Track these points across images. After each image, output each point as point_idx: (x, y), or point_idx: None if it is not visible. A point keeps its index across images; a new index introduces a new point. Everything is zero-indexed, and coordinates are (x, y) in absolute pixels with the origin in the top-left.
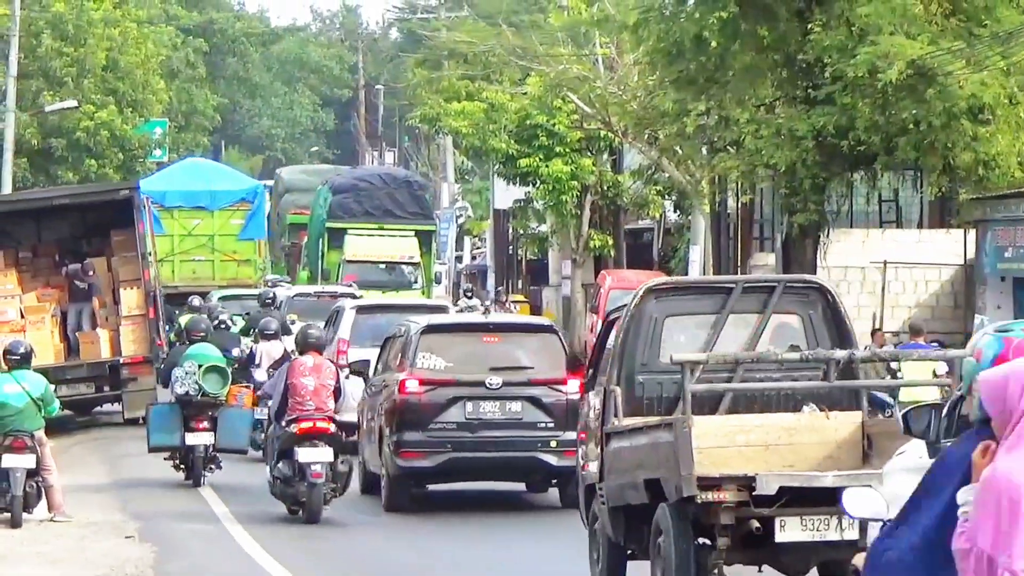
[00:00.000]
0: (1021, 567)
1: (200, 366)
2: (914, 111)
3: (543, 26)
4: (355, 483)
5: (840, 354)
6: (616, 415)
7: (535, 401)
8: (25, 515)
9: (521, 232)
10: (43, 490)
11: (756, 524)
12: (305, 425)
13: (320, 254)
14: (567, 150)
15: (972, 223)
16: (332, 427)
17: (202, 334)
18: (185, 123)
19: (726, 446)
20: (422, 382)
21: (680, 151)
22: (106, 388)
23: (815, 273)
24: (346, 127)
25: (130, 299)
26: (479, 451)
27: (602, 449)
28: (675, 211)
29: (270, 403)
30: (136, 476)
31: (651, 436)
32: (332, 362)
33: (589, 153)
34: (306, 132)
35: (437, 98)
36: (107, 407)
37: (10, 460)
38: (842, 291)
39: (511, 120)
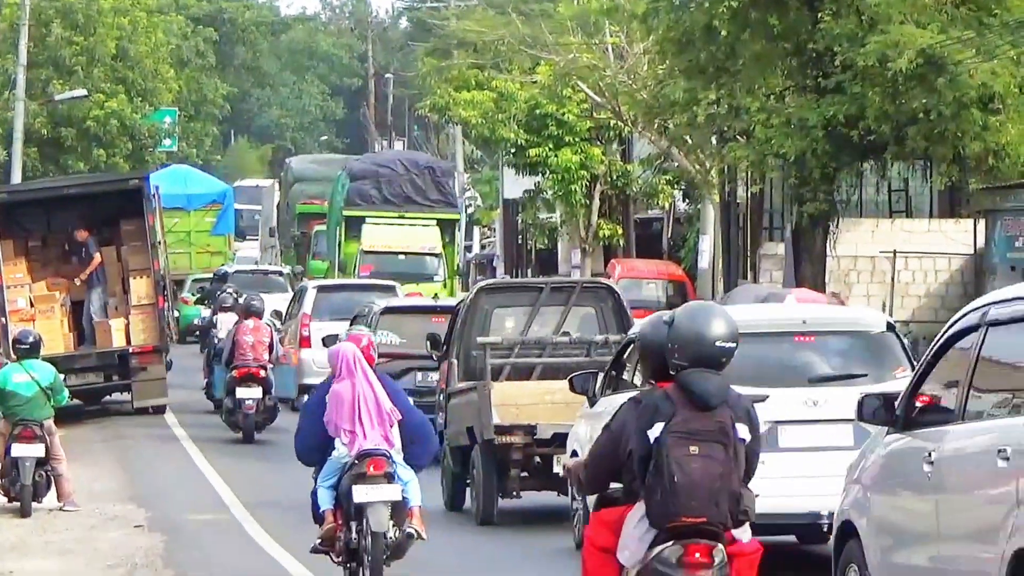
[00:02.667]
0: None
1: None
2: (924, 100)
3: (553, 15)
4: None
5: (598, 338)
6: (454, 380)
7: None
8: (34, 504)
9: (530, 222)
10: (52, 479)
11: (538, 460)
12: (242, 369)
13: (337, 244)
14: (577, 139)
15: (982, 213)
16: (263, 372)
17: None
18: (195, 112)
19: (518, 404)
20: (380, 355)
21: (690, 140)
22: (115, 377)
23: (825, 262)
24: (355, 116)
25: (140, 288)
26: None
27: (445, 405)
28: (685, 201)
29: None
30: (146, 466)
31: (469, 396)
32: (268, 325)
33: (599, 142)
34: (315, 121)
35: (447, 87)
36: (117, 396)
37: (19, 449)
38: (852, 281)
39: (520, 109)
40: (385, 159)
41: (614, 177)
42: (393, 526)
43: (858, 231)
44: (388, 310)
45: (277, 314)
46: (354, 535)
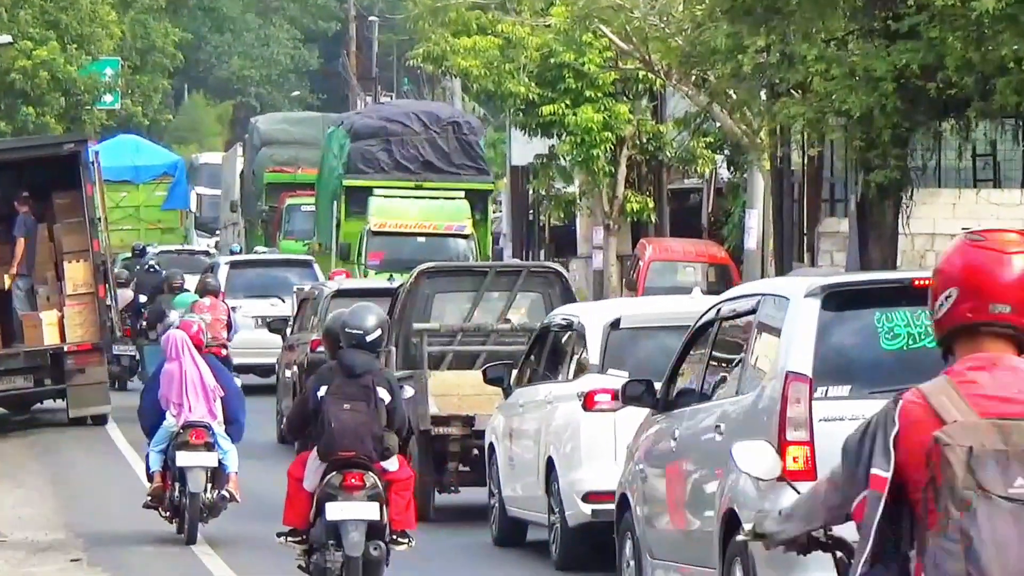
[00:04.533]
0: None
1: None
2: (1015, 46)
3: None
4: None
5: (536, 326)
6: (392, 368)
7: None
8: None
9: (543, 193)
10: None
11: (477, 452)
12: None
13: (336, 222)
14: (599, 95)
15: None
16: (224, 351)
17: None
18: (140, 63)
19: (459, 393)
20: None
21: (734, 96)
22: (48, 382)
23: (896, 241)
24: (333, 67)
25: (76, 274)
26: None
27: None
28: (728, 168)
29: None
30: (84, 488)
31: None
32: (225, 304)
33: (625, 98)
34: (285, 73)
35: (443, 32)
36: (49, 404)
37: None
38: (928, 264)
39: (531, 59)
40: (396, 113)
41: (644, 140)
42: (213, 488)
43: (936, 204)
44: (339, 292)
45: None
46: (177, 494)
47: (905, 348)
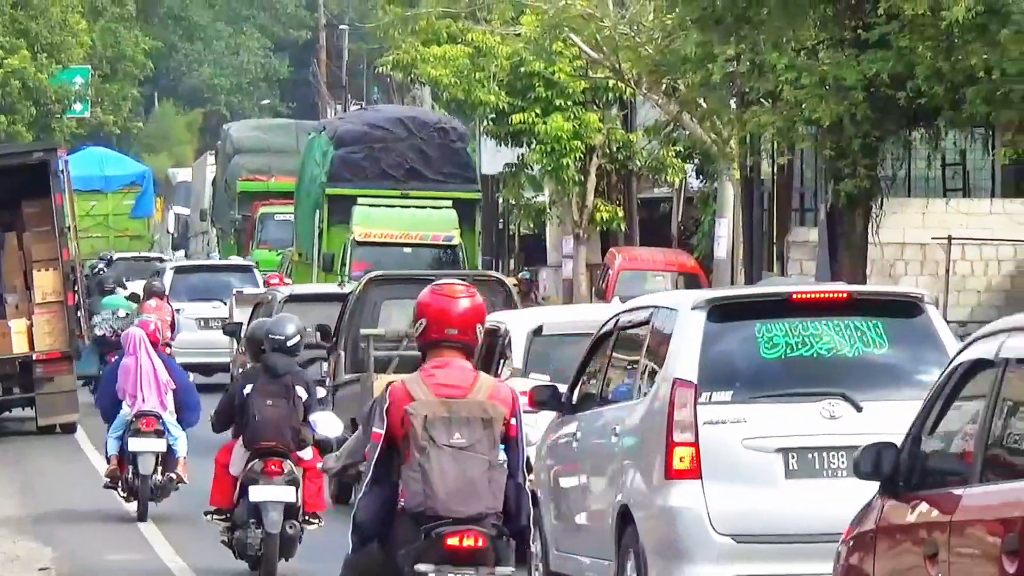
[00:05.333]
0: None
1: (114, 312)
2: (985, 56)
3: None
4: None
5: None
6: (341, 372)
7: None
8: None
9: (513, 202)
10: None
11: None
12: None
13: (317, 232)
14: (569, 104)
15: None
16: (168, 350)
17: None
18: (111, 71)
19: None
20: None
21: (704, 104)
22: (16, 390)
23: (866, 250)
24: (303, 76)
25: (45, 283)
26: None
27: (332, 397)
28: (698, 177)
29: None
30: (52, 496)
31: (353, 388)
32: (170, 305)
33: (595, 107)
34: (255, 82)
35: (413, 41)
36: (18, 412)
37: None
38: (898, 272)
39: (502, 67)
40: (380, 118)
41: (614, 149)
42: (163, 472)
43: (906, 213)
44: (292, 298)
45: (135, 296)
46: (131, 476)
47: (783, 357)
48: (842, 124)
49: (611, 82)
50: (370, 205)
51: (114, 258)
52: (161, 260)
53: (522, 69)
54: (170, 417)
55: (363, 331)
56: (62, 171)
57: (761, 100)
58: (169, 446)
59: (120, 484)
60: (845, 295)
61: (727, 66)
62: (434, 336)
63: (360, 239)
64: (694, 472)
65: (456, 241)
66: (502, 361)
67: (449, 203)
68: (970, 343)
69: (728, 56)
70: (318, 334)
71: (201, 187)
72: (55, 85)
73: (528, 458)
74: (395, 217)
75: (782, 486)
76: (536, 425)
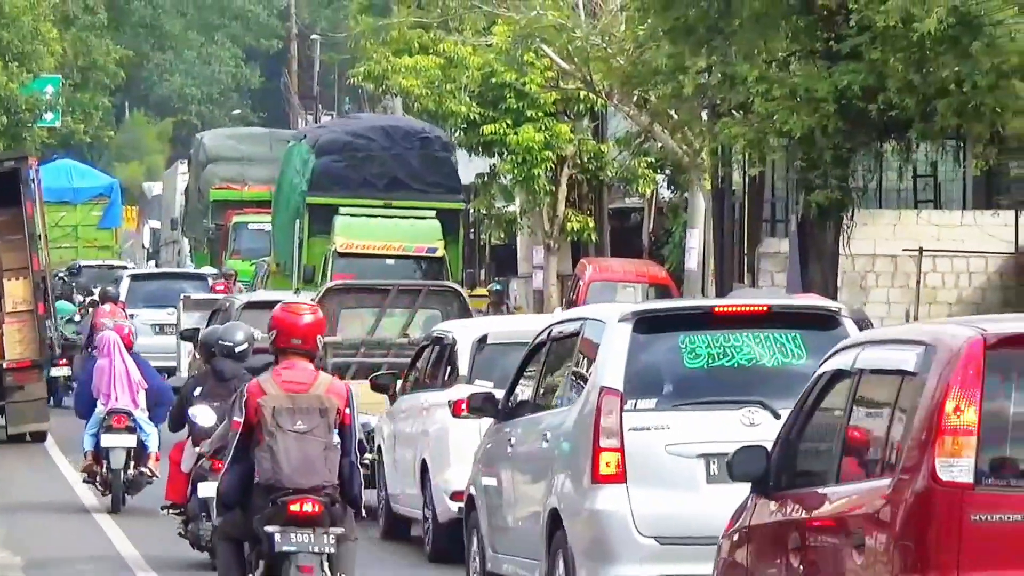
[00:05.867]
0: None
1: (60, 317)
2: (956, 68)
3: None
4: None
5: (424, 340)
6: None
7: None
8: None
9: (484, 212)
10: None
11: (372, 457)
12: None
13: (297, 242)
14: (540, 114)
15: None
16: None
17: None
18: (82, 80)
19: (361, 402)
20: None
21: (676, 116)
22: None
23: (837, 262)
24: (275, 86)
25: (15, 292)
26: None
27: None
28: (669, 188)
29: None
30: (22, 503)
31: None
32: (123, 309)
33: (566, 118)
34: (226, 91)
35: (384, 51)
36: None
37: None
38: (869, 284)
39: (473, 78)
40: (362, 127)
41: (585, 159)
42: (134, 467)
43: (877, 225)
44: (249, 304)
45: (94, 303)
46: (105, 470)
47: (705, 366)
48: (813, 136)
49: (582, 93)
50: (352, 215)
51: (81, 267)
52: (124, 268)
53: (493, 80)
54: (142, 414)
55: (320, 339)
56: (33, 180)
57: (732, 111)
58: (141, 442)
59: (96, 478)
60: (765, 308)
61: (699, 77)
62: (282, 344)
63: (342, 250)
64: (619, 477)
65: (440, 252)
66: (448, 369)
67: (433, 213)
68: (832, 355)
69: (700, 68)
70: None
71: (172, 196)
72: (26, 94)
73: (361, 440)
74: (377, 228)
75: (704, 490)
76: (480, 431)
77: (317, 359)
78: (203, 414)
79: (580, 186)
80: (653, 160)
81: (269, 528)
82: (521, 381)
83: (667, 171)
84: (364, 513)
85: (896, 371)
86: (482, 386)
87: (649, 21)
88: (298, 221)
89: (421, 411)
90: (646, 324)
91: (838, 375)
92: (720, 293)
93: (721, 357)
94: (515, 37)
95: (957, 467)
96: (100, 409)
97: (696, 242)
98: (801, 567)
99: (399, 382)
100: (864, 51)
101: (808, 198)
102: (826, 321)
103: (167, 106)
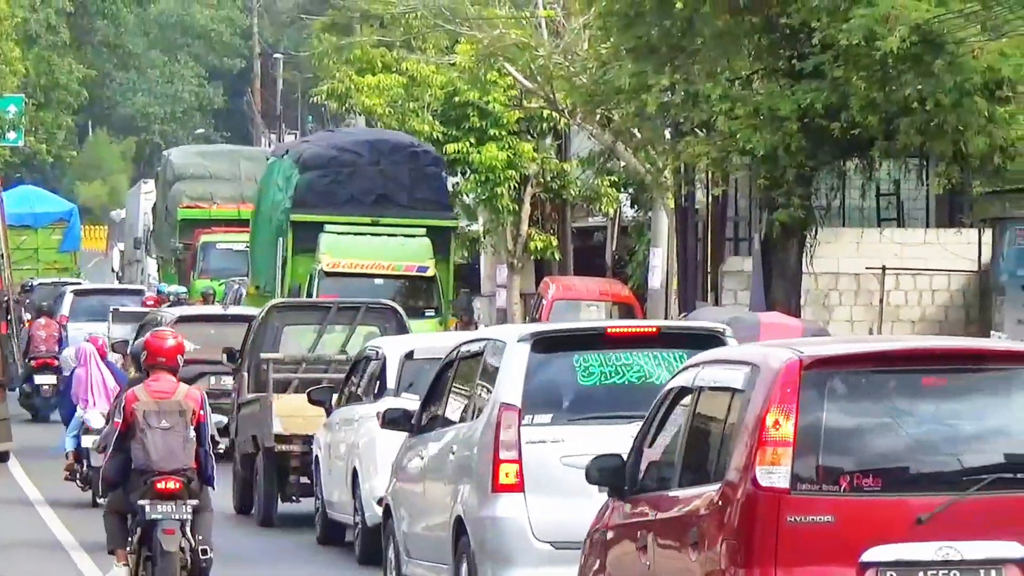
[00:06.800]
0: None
1: None
2: (919, 87)
3: None
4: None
5: (359, 355)
6: (245, 392)
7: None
8: None
9: None
10: None
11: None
12: (38, 360)
13: (281, 261)
14: (503, 133)
15: (987, 221)
16: (56, 361)
17: None
18: (45, 100)
19: (303, 415)
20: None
21: (639, 134)
22: None
23: (800, 280)
24: (238, 105)
25: None
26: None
27: (236, 415)
28: (633, 207)
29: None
30: None
31: (254, 407)
32: (57, 322)
33: (530, 136)
34: (190, 110)
35: (347, 70)
36: None
37: None
38: (832, 303)
39: (436, 97)
40: (348, 141)
41: (548, 178)
42: None
43: (840, 243)
44: (182, 319)
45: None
46: (85, 469)
47: (598, 384)
48: (776, 154)
49: (545, 112)
50: (338, 233)
51: (34, 285)
52: (78, 284)
53: (456, 99)
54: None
55: (262, 355)
56: None
57: (695, 130)
58: None
59: (77, 476)
60: (655, 330)
61: (662, 96)
62: (151, 362)
63: (328, 269)
64: (518, 486)
65: (431, 272)
66: (378, 382)
67: (423, 231)
68: (678, 372)
69: (662, 86)
70: (225, 356)
71: (135, 216)
72: None
73: (213, 434)
74: (365, 246)
75: (596, 499)
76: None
77: (177, 372)
78: (94, 418)
79: (543, 205)
80: (616, 179)
81: (141, 502)
82: (432, 397)
83: (630, 190)
84: (215, 488)
85: (728, 388)
86: (409, 399)
87: (612, 40)
88: (281, 239)
89: (353, 423)
90: (543, 344)
91: (682, 391)
92: (683, 311)
93: (613, 375)
94: (478, 56)
95: (776, 474)
96: (79, 413)
97: (659, 261)
98: (648, 564)
99: (335, 396)
100: (827, 69)
101: (771, 217)
102: (712, 341)
103: (130, 125)
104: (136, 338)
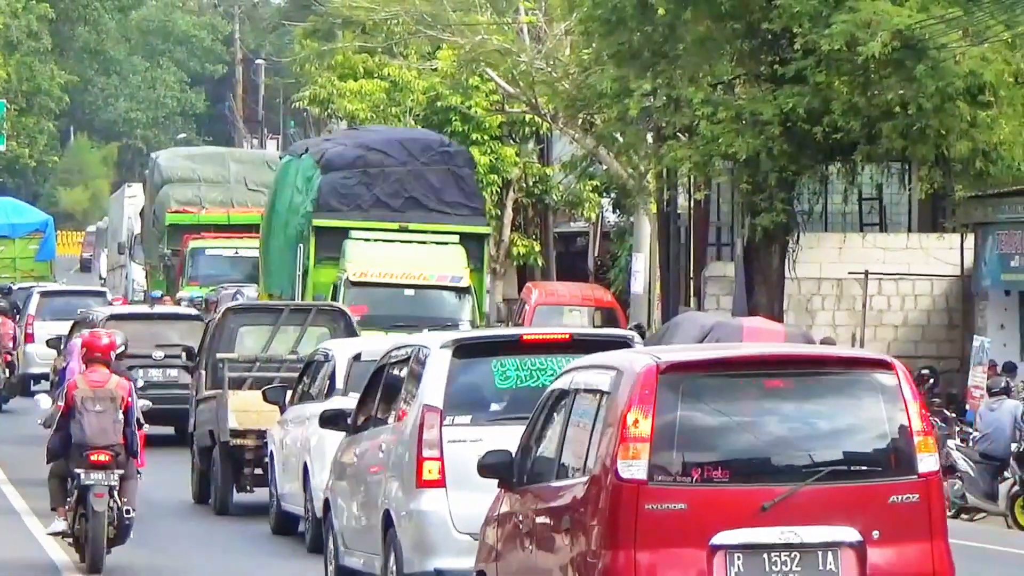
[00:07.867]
0: None
1: None
2: (901, 91)
3: None
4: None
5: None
6: (202, 389)
7: (187, 368)
8: None
9: None
10: None
11: (267, 459)
12: None
13: (302, 270)
14: (485, 138)
15: (970, 226)
16: (10, 356)
17: None
18: (27, 105)
19: (258, 411)
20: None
21: (621, 139)
22: None
23: (783, 285)
24: (220, 110)
25: None
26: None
27: (194, 410)
28: (615, 211)
29: None
30: None
31: (211, 403)
32: (13, 322)
33: (512, 141)
34: (172, 116)
35: (329, 75)
36: None
37: None
38: (815, 307)
39: (418, 102)
40: (375, 140)
41: (530, 183)
42: None
43: (822, 248)
44: (113, 316)
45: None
46: None
47: (514, 387)
48: (758, 159)
49: (528, 117)
50: (365, 240)
51: (11, 288)
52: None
53: (439, 103)
54: None
55: (218, 355)
56: None
57: (678, 135)
58: None
59: None
60: (568, 336)
61: (643, 101)
62: (89, 357)
63: (354, 279)
64: (440, 482)
65: (466, 282)
66: (328, 382)
67: (456, 238)
68: (559, 375)
69: (644, 91)
70: (184, 355)
71: (118, 221)
72: None
73: (138, 417)
74: (395, 254)
75: None
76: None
77: (111, 364)
78: (44, 401)
79: (526, 210)
80: (598, 184)
81: (78, 470)
82: (366, 399)
83: (612, 195)
84: (143, 462)
85: (597, 391)
86: (355, 398)
87: (594, 45)
88: (301, 246)
89: (304, 420)
90: (464, 351)
91: (562, 393)
92: (666, 316)
93: (528, 379)
94: (460, 61)
95: (635, 467)
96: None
97: (642, 266)
98: (531, 547)
99: (289, 394)
100: (809, 74)
101: (754, 221)
102: (622, 347)
103: (112, 130)
104: (69, 335)
